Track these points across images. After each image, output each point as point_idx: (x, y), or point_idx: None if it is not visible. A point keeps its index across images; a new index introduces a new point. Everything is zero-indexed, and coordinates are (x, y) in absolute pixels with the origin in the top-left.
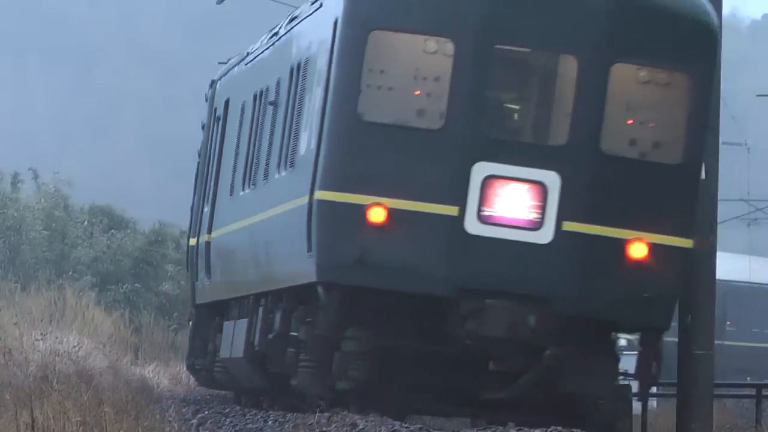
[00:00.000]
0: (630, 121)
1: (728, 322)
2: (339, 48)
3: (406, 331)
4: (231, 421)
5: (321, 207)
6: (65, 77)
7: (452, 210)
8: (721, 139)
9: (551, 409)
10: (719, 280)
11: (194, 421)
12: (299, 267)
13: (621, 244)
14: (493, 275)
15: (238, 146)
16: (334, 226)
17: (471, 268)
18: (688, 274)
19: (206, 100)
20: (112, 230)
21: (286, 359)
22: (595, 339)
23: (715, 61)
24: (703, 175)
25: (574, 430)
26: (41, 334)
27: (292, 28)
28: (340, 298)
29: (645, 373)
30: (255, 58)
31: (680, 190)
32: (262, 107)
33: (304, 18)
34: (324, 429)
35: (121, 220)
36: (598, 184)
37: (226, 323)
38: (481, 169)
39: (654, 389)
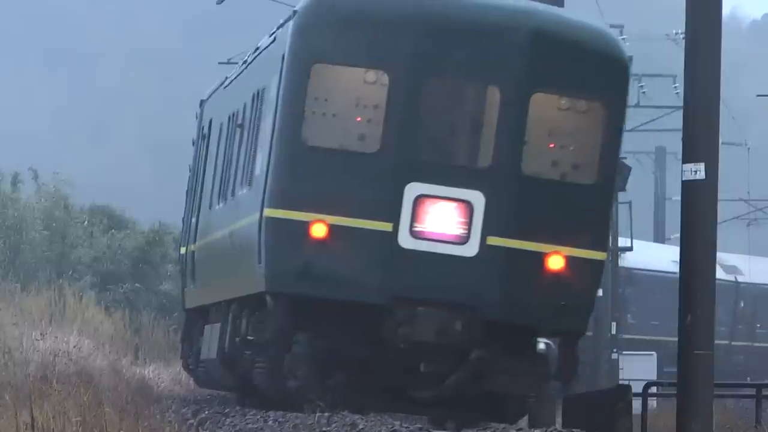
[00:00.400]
0: (551, 145)
1: (758, 324)
2: (285, 79)
3: (347, 336)
4: (231, 421)
5: (269, 223)
6: (65, 78)
7: (387, 226)
8: (721, 139)
9: (479, 406)
10: (749, 283)
11: (194, 421)
12: (253, 277)
13: (540, 257)
14: (424, 285)
15: (216, 163)
16: (281, 240)
17: (404, 278)
18: (687, 274)
19: (196, 118)
20: (112, 230)
21: (244, 361)
22: (518, 343)
23: (626, 91)
24: (703, 175)
25: (574, 430)
26: (41, 334)
27: (256, 57)
28: (286, 306)
29: (565, 374)
30: (230, 82)
31: (594, 207)
32: (233, 129)
33: (264, 49)
34: (324, 429)
35: (120, 220)
36: (519, 202)
37: (206, 326)
38: (413, 189)
39: (654, 389)
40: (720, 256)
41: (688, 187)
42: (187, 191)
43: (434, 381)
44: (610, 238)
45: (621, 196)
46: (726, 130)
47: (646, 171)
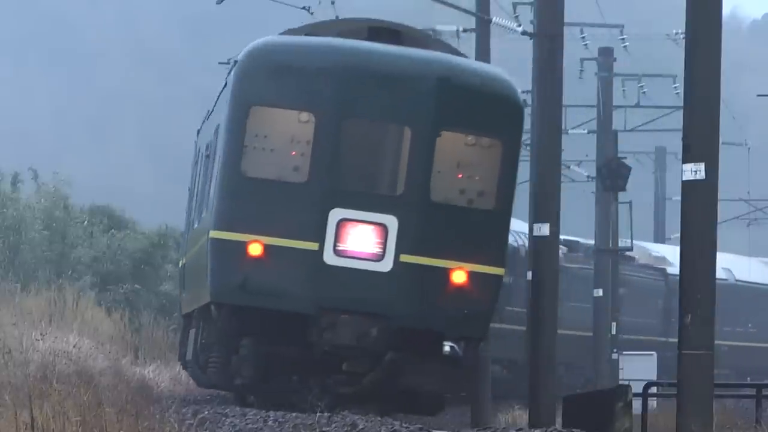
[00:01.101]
0: (459, 176)
1: None
2: (228, 119)
3: (282, 341)
4: (231, 421)
5: (213, 243)
6: (65, 78)
7: (314, 245)
8: (721, 139)
9: (400, 401)
10: None
11: (194, 421)
12: (206, 289)
13: (446, 272)
14: (345, 296)
15: (197, 187)
16: (223, 257)
17: (328, 291)
18: (687, 274)
19: (195, 146)
20: (112, 230)
21: (200, 361)
22: (427, 346)
23: (521, 130)
24: (703, 175)
25: (574, 430)
26: (41, 334)
27: (219, 95)
28: (227, 314)
29: (469, 373)
30: (208, 116)
31: (493, 229)
32: (205, 158)
33: (221, 90)
34: (324, 429)
35: (120, 221)
36: (428, 225)
37: (190, 331)
38: (336, 214)
39: (654, 389)
40: None
41: (688, 187)
42: (186, 211)
43: (355, 379)
44: (610, 238)
45: (621, 196)
46: (726, 130)
47: (646, 171)
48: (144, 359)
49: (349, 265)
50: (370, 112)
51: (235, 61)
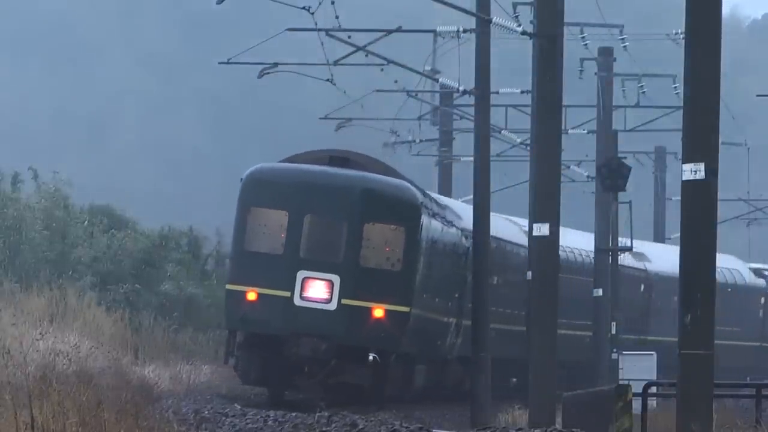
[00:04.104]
0: (387, 249)
1: None
2: (236, 214)
3: (271, 353)
4: (231, 421)
5: (227, 291)
6: (65, 78)
7: (287, 294)
8: (721, 139)
9: (348, 392)
10: None
11: (194, 421)
12: None
13: (370, 309)
14: (306, 325)
15: None
16: (232, 300)
17: (296, 322)
18: (687, 274)
19: None
20: (113, 230)
21: (230, 360)
22: (358, 356)
23: (419, 220)
24: (703, 175)
25: (574, 429)
26: (41, 334)
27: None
28: (234, 336)
29: (385, 374)
30: None
31: (401, 283)
32: None
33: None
34: (324, 429)
35: (121, 220)
36: (358, 280)
37: None
38: (301, 274)
39: (654, 389)
40: None
41: (688, 187)
42: None
43: (312, 376)
44: (610, 238)
45: (621, 196)
46: (726, 130)
47: (646, 171)
48: (144, 359)
49: (309, 306)
50: (322, 210)
51: (241, 178)
